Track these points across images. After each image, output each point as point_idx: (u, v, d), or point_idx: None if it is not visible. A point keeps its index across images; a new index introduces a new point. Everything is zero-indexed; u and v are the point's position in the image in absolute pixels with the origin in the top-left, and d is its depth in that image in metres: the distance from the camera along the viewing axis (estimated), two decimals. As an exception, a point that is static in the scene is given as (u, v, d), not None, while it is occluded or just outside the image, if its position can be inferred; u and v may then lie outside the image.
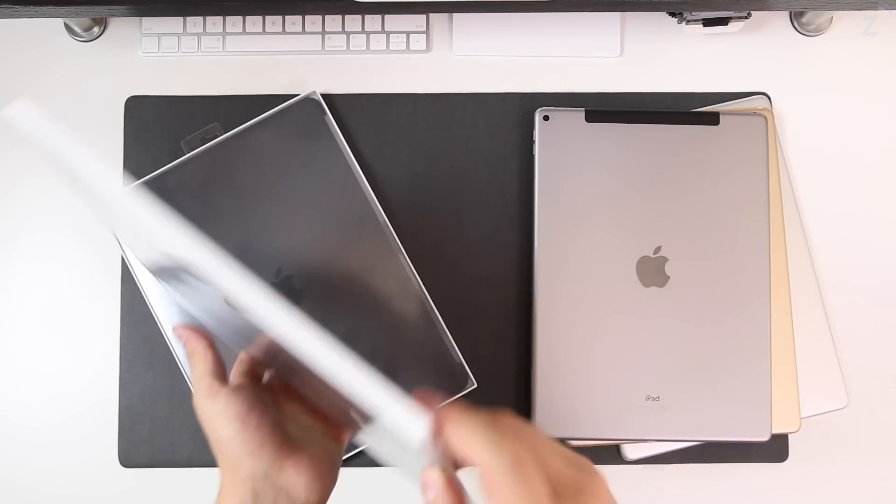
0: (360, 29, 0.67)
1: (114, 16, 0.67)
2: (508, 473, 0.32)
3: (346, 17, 0.67)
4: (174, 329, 0.47)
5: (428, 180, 0.66)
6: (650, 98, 0.67)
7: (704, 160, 0.63)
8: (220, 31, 0.67)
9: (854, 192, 0.66)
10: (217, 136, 0.65)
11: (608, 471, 0.64)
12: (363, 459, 0.62)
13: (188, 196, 0.63)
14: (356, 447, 0.62)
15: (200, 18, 0.67)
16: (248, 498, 0.42)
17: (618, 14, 0.68)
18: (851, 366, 0.64)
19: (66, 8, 0.57)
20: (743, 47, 0.68)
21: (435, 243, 0.65)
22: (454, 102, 0.67)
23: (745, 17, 0.64)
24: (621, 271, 0.61)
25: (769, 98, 0.66)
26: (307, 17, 0.67)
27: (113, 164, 0.66)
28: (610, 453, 0.63)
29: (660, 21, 0.68)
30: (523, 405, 0.63)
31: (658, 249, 0.62)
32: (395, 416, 0.32)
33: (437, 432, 0.33)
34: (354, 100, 0.67)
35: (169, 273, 0.40)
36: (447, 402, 0.62)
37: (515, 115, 0.66)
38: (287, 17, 0.67)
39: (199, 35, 0.67)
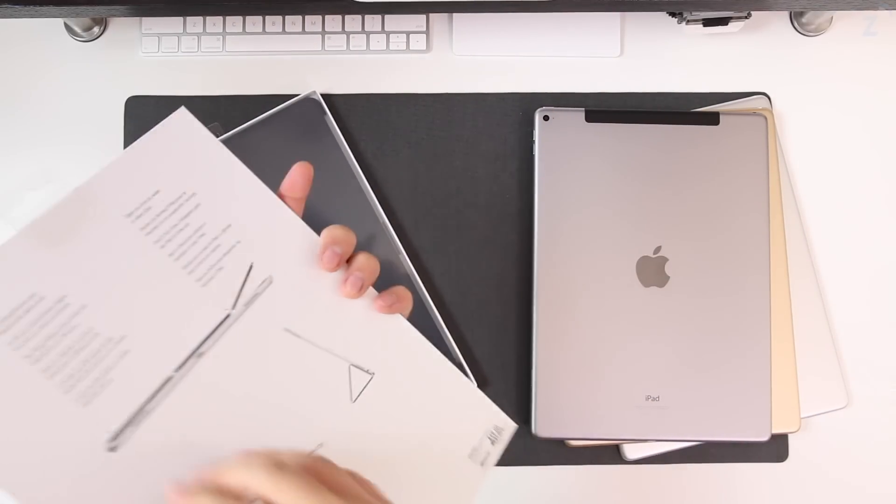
0: (360, 29, 0.67)
1: (114, 16, 0.67)
2: None
3: (346, 17, 0.67)
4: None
5: (428, 180, 0.66)
6: (650, 98, 0.67)
7: (704, 160, 0.63)
8: (220, 31, 0.67)
9: (854, 191, 0.66)
10: (217, 136, 0.65)
11: (608, 471, 0.64)
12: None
13: (188, 196, 0.63)
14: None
15: (200, 18, 0.67)
16: None
17: (618, 14, 0.68)
18: (851, 366, 0.64)
19: (66, 8, 0.57)
20: (743, 47, 0.68)
21: (435, 243, 0.65)
22: (454, 102, 0.67)
23: (745, 17, 0.64)
24: (621, 271, 0.61)
25: (769, 98, 0.67)
26: (307, 17, 0.67)
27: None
28: (610, 453, 0.63)
29: (660, 21, 0.68)
30: (523, 405, 0.63)
31: (658, 249, 0.62)
32: None
33: None
34: (354, 100, 0.67)
35: None
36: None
37: (515, 115, 0.66)
38: (287, 17, 0.67)
39: (199, 35, 0.67)
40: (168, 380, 0.36)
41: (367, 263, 0.43)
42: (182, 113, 0.41)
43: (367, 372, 0.42)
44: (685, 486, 0.63)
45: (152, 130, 0.40)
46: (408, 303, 0.44)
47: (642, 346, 0.61)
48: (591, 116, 0.63)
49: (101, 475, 0.33)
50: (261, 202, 0.42)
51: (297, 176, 0.44)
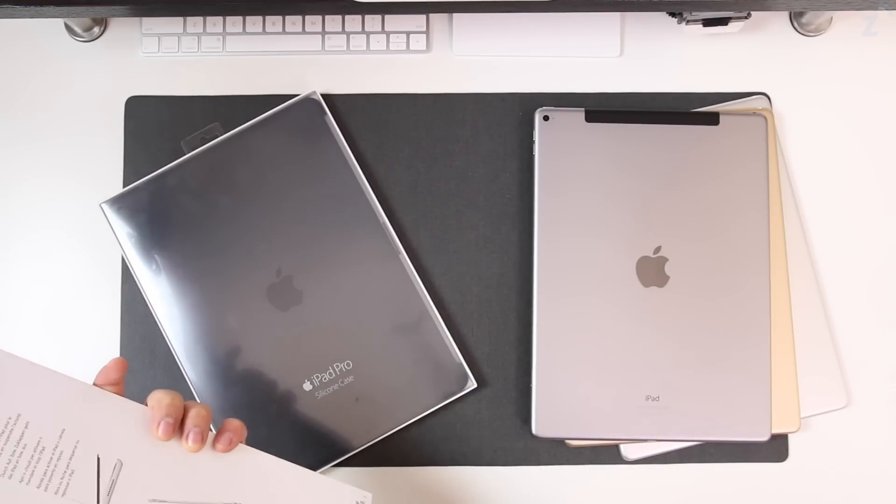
0: (360, 29, 0.67)
1: (114, 16, 0.67)
2: None
3: (346, 17, 0.67)
4: None
5: (428, 180, 0.66)
6: (650, 98, 0.67)
7: (704, 160, 0.63)
8: (220, 31, 0.67)
9: (854, 192, 0.66)
10: (217, 136, 0.65)
11: (608, 471, 0.64)
12: (361, 459, 0.62)
13: (188, 196, 0.63)
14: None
15: (200, 19, 0.67)
16: None
17: (618, 14, 0.68)
18: (851, 365, 0.64)
19: (66, 8, 0.57)
20: (743, 47, 0.68)
21: (435, 243, 0.65)
22: (454, 102, 0.67)
23: (745, 18, 0.64)
24: (621, 271, 0.61)
25: (769, 98, 0.67)
26: (307, 17, 0.67)
27: (113, 164, 0.66)
28: (610, 453, 0.63)
29: (660, 21, 0.68)
30: (523, 405, 0.63)
31: (658, 249, 0.62)
32: None
33: None
34: (354, 100, 0.67)
35: None
36: (446, 402, 0.62)
37: (515, 115, 0.66)
38: (287, 17, 0.67)
39: (199, 35, 0.67)
40: None
41: (199, 415, 0.45)
42: None
43: None
44: (685, 486, 0.63)
45: None
46: (243, 431, 0.47)
47: (642, 346, 0.61)
48: (591, 116, 0.63)
49: None
50: (82, 397, 0.43)
51: (111, 370, 0.47)
